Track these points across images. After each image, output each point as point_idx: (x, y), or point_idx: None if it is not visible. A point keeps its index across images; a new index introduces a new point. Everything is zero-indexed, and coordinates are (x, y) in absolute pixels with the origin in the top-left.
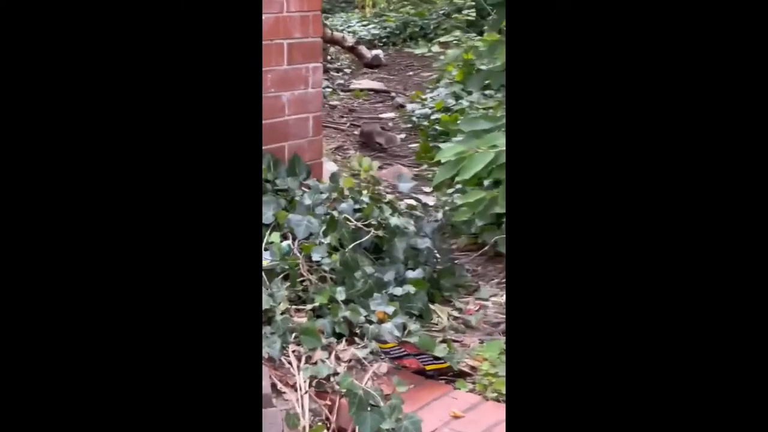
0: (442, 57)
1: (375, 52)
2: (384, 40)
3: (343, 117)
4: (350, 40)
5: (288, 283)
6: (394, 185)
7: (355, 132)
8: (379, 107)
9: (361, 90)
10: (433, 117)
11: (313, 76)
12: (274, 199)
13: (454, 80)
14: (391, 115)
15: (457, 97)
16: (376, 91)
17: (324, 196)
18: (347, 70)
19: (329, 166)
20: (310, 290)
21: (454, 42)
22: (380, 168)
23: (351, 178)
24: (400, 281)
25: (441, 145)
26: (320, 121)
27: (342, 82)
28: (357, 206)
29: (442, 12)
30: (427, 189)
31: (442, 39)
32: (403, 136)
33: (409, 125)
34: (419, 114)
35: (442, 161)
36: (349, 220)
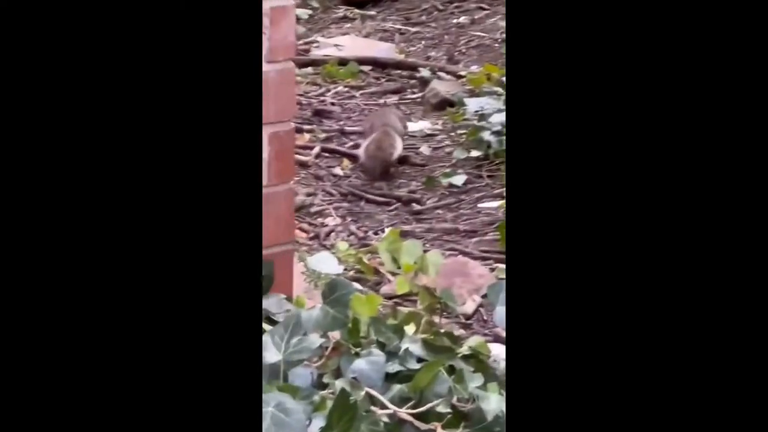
0: None
1: None
2: None
3: (303, 129)
4: None
5: None
6: (481, 305)
7: (333, 170)
8: (388, 104)
9: (342, 63)
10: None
11: None
12: None
13: None
14: (424, 125)
15: None
16: (379, 64)
17: (309, 341)
18: (308, 11)
19: (316, 261)
20: None
21: None
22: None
23: (372, 296)
24: None
25: None
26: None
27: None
28: (395, 364)
29: None
30: None
31: None
32: (462, 178)
33: (473, 151)
34: (495, 123)
35: None
36: (380, 404)
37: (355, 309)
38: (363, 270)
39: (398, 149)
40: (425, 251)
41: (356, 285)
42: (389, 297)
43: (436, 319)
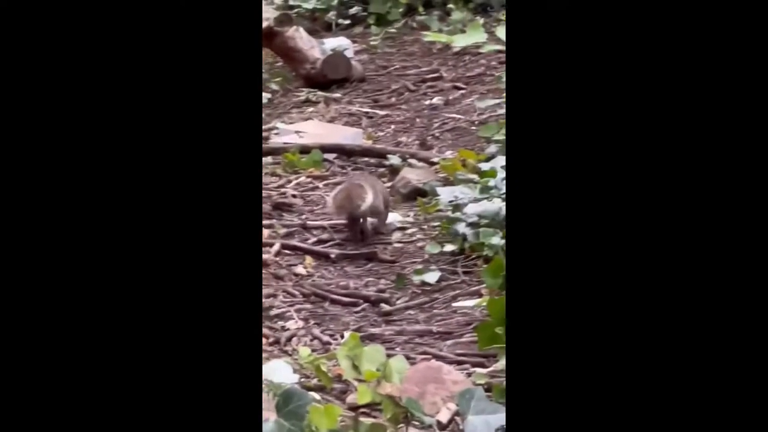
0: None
1: (332, 42)
2: (354, 9)
3: (262, 224)
4: (265, 15)
5: None
6: (457, 414)
7: (295, 269)
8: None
9: (304, 151)
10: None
11: None
12: None
13: None
14: (394, 217)
15: None
16: (345, 152)
17: None
18: (267, 95)
19: (270, 369)
20: None
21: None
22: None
23: (331, 407)
24: None
25: None
26: None
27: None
28: None
29: None
30: None
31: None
32: (435, 275)
33: (447, 245)
34: (471, 214)
35: None
36: None
37: (312, 421)
38: (320, 378)
39: (368, 201)
40: (389, 356)
41: (317, 395)
42: (354, 407)
43: (403, 431)
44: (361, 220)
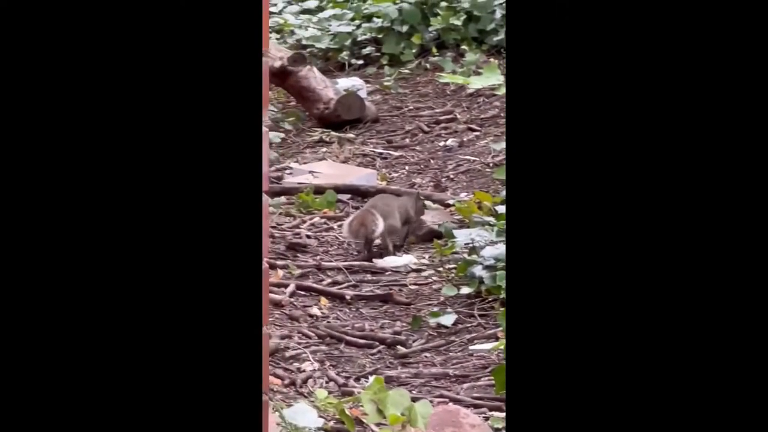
0: None
1: (346, 82)
2: (367, 49)
3: (277, 264)
4: (279, 54)
5: None
6: None
7: (310, 310)
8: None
9: (318, 191)
10: None
11: None
12: None
13: None
14: (409, 259)
15: None
16: (359, 193)
17: None
18: (281, 135)
19: (294, 413)
20: None
21: None
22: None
23: None
24: None
25: None
26: None
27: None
28: None
29: None
30: None
31: None
32: (451, 318)
33: (463, 288)
34: (488, 256)
35: None
36: None
37: None
38: (344, 422)
39: (379, 228)
40: (413, 400)
41: None
42: None
43: None
44: (377, 241)
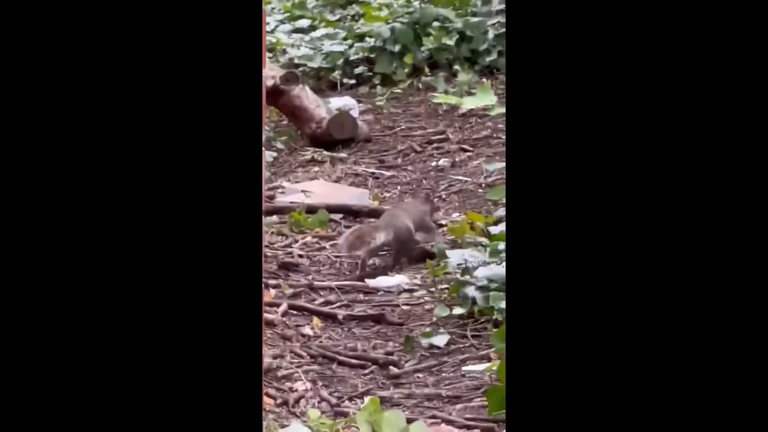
0: None
1: (338, 101)
2: (360, 69)
3: (269, 284)
4: (271, 73)
5: None
6: None
7: (302, 330)
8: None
9: (310, 210)
10: None
11: None
12: None
13: None
14: (401, 280)
15: None
16: (351, 212)
17: None
18: (273, 154)
19: None
20: None
21: None
22: None
23: None
24: None
25: None
26: None
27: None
28: None
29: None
30: None
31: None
32: (444, 339)
33: (456, 308)
34: (481, 277)
35: None
36: None
37: None
38: None
39: (377, 241)
40: (409, 421)
41: None
42: None
43: None
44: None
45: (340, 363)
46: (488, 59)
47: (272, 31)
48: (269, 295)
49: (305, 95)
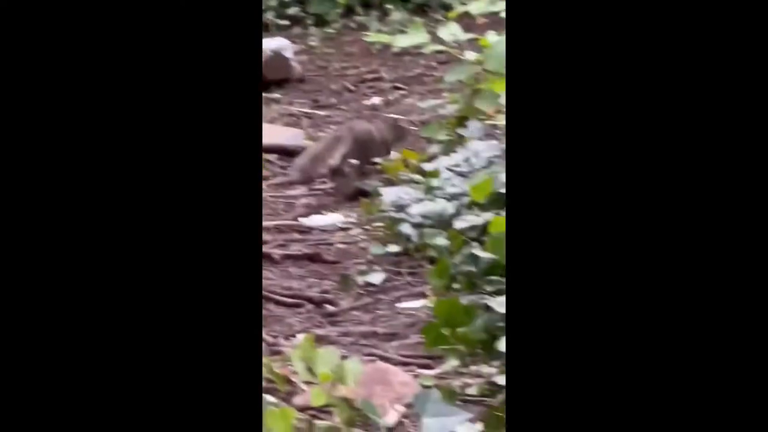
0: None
1: (272, 42)
2: (292, 9)
3: None
4: None
5: None
6: (405, 416)
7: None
8: (299, 199)
9: None
10: (463, 222)
11: None
12: None
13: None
14: (336, 218)
15: None
16: (286, 152)
17: None
18: None
19: None
20: None
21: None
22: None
23: (286, 410)
24: None
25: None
26: None
27: None
28: None
29: None
30: None
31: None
32: (379, 276)
33: (391, 246)
34: (415, 214)
35: None
36: None
37: (268, 425)
38: (274, 380)
39: (338, 154)
40: (343, 358)
41: (267, 397)
42: (302, 409)
43: None
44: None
45: (277, 303)
46: None
47: None
48: None
49: None
